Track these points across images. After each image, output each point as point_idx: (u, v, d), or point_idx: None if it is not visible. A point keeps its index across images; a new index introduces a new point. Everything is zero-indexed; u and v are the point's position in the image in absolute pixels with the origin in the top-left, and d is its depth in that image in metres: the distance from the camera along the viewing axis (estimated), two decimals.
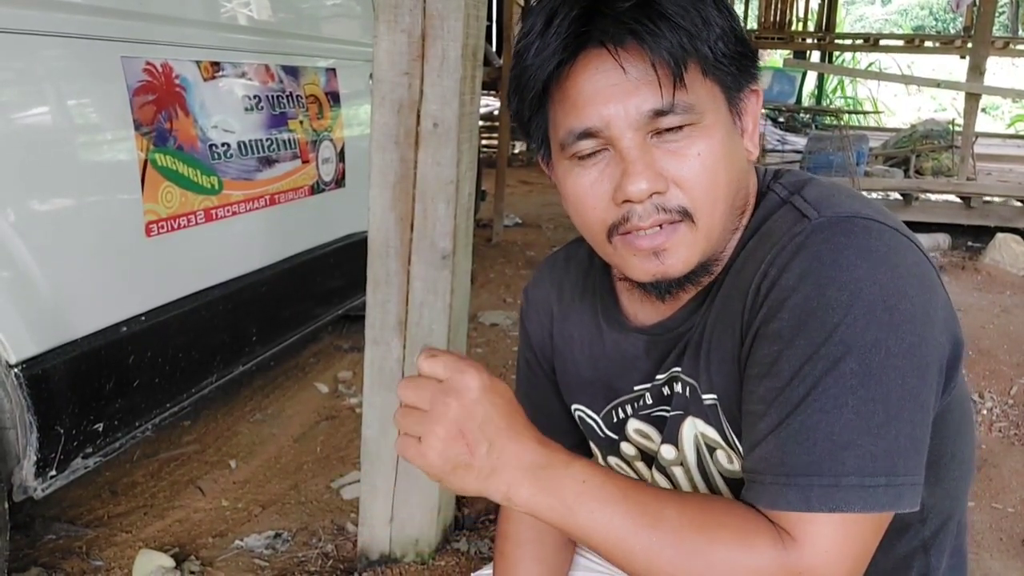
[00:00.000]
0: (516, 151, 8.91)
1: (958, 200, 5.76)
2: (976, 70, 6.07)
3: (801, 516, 0.70)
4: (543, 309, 1.03)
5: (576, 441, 1.06)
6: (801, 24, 12.13)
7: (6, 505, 1.71)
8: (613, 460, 1.00)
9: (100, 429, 1.91)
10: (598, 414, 0.98)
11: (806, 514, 0.69)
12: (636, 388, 0.93)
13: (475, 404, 0.70)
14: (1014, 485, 2.52)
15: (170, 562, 2.01)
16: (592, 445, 1.03)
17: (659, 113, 0.75)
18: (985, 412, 2.99)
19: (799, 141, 8.42)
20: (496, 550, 1.09)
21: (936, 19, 21.05)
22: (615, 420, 0.96)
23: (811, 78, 11.87)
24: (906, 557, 0.88)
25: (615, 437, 0.97)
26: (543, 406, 1.06)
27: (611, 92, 0.75)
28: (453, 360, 0.71)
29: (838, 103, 12.45)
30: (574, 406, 1.01)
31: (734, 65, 0.78)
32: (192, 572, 2.02)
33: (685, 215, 0.77)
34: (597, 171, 0.78)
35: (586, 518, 0.71)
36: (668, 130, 0.76)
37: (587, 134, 0.77)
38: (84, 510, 2.28)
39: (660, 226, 0.77)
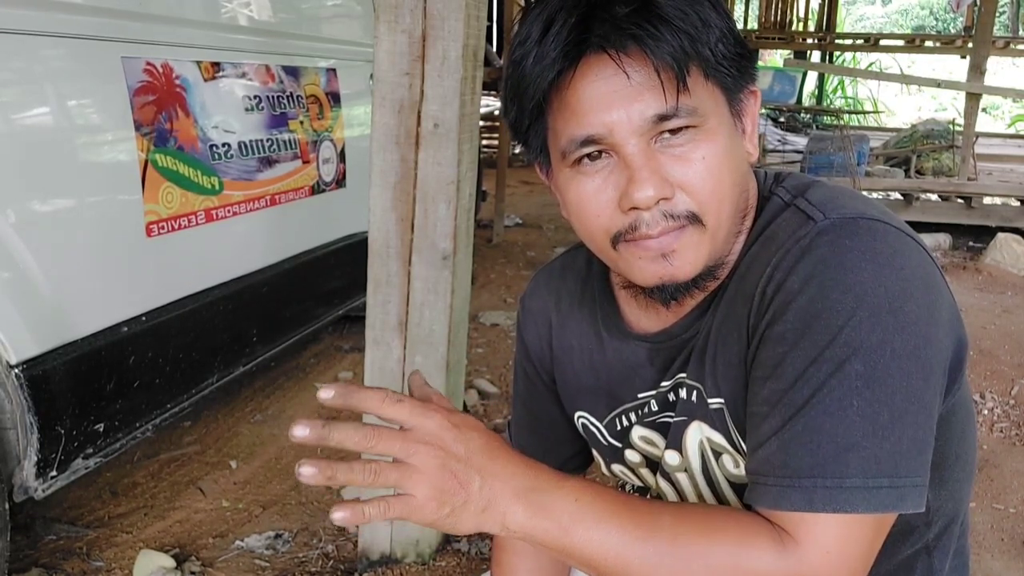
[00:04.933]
0: (517, 151, 8.91)
1: (959, 200, 5.75)
2: (976, 70, 6.07)
3: (804, 517, 0.70)
4: (541, 319, 1.02)
5: (577, 449, 1.06)
6: (801, 24, 12.13)
7: (7, 506, 1.71)
8: (617, 467, 0.99)
9: (101, 429, 1.91)
10: (601, 422, 0.98)
11: (809, 515, 0.69)
12: (640, 396, 0.92)
13: (454, 443, 0.68)
14: (1015, 486, 2.52)
15: (171, 563, 2.00)
16: (595, 453, 1.02)
17: (663, 118, 0.74)
18: (986, 412, 2.98)
19: (800, 141, 8.42)
20: (493, 561, 1.09)
21: (936, 19, 21.06)
22: (619, 428, 0.96)
23: (811, 78, 11.86)
24: (909, 559, 0.88)
25: (619, 445, 0.97)
26: (543, 416, 1.05)
27: (613, 98, 0.74)
28: (417, 405, 0.69)
29: (838, 103, 12.45)
30: (577, 414, 1.01)
31: (734, 66, 0.77)
32: (193, 572, 2.02)
33: (693, 219, 0.76)
34: (600, 178, 0.77)
35: (582, 537, 0.70)
36: (672, 135, 0.75)
37: (590, 141, 0.75)
38: (85, 511, 2.28)
39: (668, 232, 0.76)
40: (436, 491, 0.67)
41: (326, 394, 0.67)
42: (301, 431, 0.65)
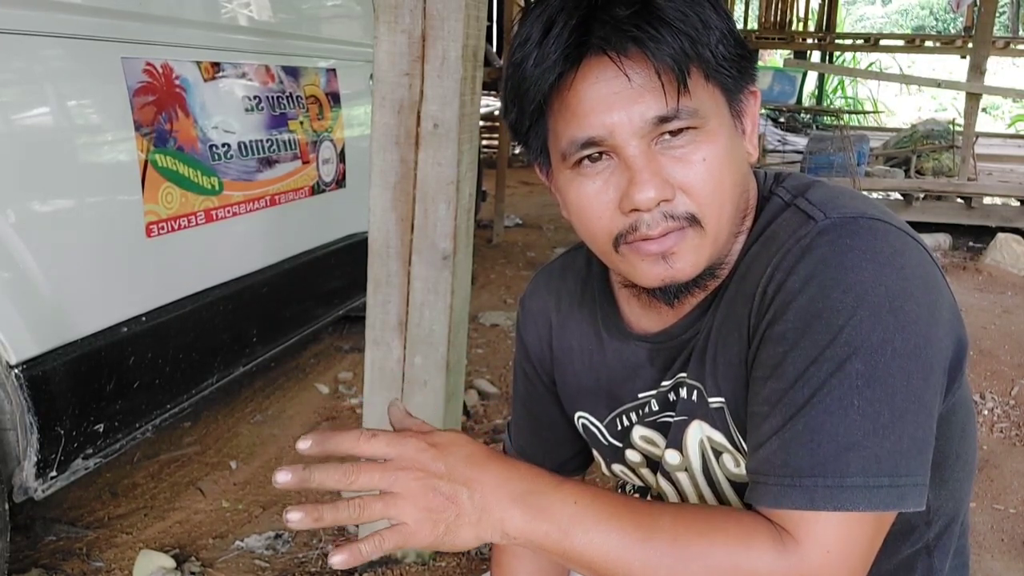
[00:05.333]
0: (517, 152, 8.92)
1: (959, 200, 5.76)
2: (976, 70, 6.07)
3: (804, 516, 0.70)
4: (541, 320, 1.02)
5: (577, 450, 1.06)
6: (801, 24, 12.14)
7: (6, 506, 1.71)
8: (618, 467, 0.99)
9: (101, 430, 1.91)
10: (601, 422, 0.98)
11: (809, 513, 0.69)
12: (641, 395, 0.92)
13: (433, 462, 0.69)
14: (1015, 486, 2.52)
15: (171, 563, 2.00)
16: (596, 453, 1.02)
17: (663, 119, 0.74)
18: (986, 413, 2.98)
19: (800, 141, 8.43)
20: (493, 562, 1.09)
21: (936, 19, 21.08)
22: (619, 428, 0.96)
23: (811, 78, 11.87)
24: (910, 558, 0.88)
25: (619, 445, 0.97)
26: (542, 417, 1.05)
27: (614, 100, 0.74)
28: (391, 435, 0.70)
29: (838, 103, 12.45)
30: (577, 414, 1.01)
31: (734, 67, 0.77)
32: (193, 573, 2.02)
33: (693, 221, 0.76)
34: (601, 180, 0.77)
35: (582, 539, 0.70)
36: (672, 136, 0.75)
37: (590, 143, 0.75)
38: (84, 511, 2.28)
39: (668, 233, 0.76)
40: (424, 512, 0.68)
41: (303, 445, 0.69)
42: (284, 477, 0.67)
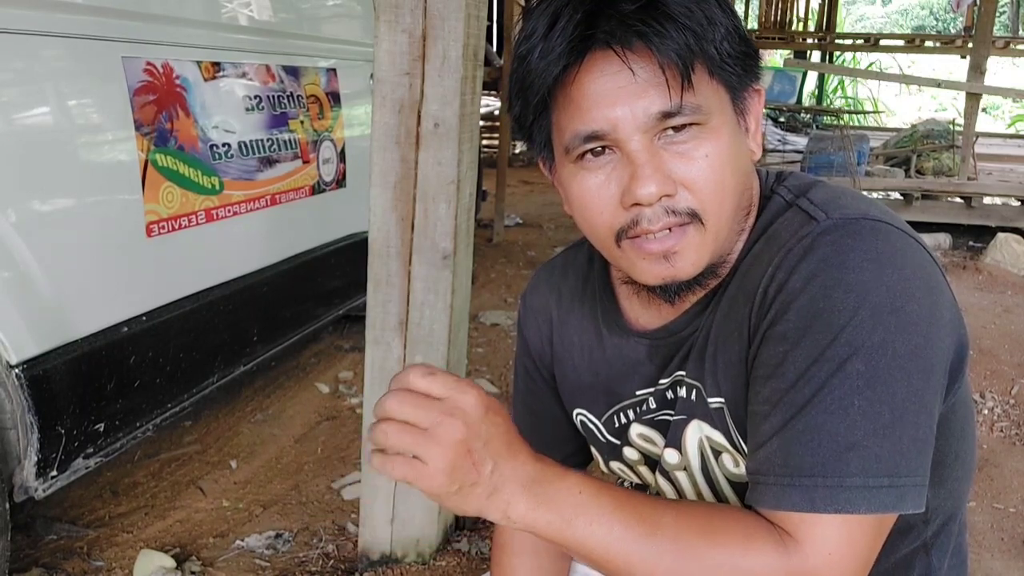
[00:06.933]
0: (517, 151, 8.92)
1: (959, 200, 5.75)
2: (977, 70, 6.07)
3: (804, 517, 0.70)
4: (542, 316, 1.02)
5: (577, 447, 1.06)
6: (801, 24, 12.13)
7: (7, 505, 1.71)
8: (615, 465, 0.99)
9: (101, 429, 1.91)
10: (599, 419, 0.98)
11: (809, 515, 0.69)
12: (639, 393, 0.92)
13: (480, 423, 0.67)
14: (1015, 485, 2.52)
15: (171, 562, 2.00)
16: (594, 450, 1.02)
17: (667, 115, 0.74)
18: (986, 412, 2.99)
19: (800, 141, 8.43)
20: (492, 561, 1.09)
21: (936, 19, 21.10)
22: (617, 425, 0.96)
23: (811, 78, 11.87)
24: (907, 557, 0.88)
25: (617, 442, 0.97)
26: (542, 413, 1.05)
27: (618, 94, 0.74)
28: (453, 379, 0.68)
29: (838, 103, 12.45)
30: (575, 411, 1.01)
31: (739, 65, 0.77)
32: (193, 572, 2.02)
33: (694, 217, 0.76)
34: (604, 174, 0.77)
35: (584, 530, 0.71)
36: (675, 131, 0.75)
37: (593, 137, 0.76)
38: (85, 510, 2.28)
39: (669, 229, 0.76)
40: (449, 465, 0.66)
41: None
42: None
